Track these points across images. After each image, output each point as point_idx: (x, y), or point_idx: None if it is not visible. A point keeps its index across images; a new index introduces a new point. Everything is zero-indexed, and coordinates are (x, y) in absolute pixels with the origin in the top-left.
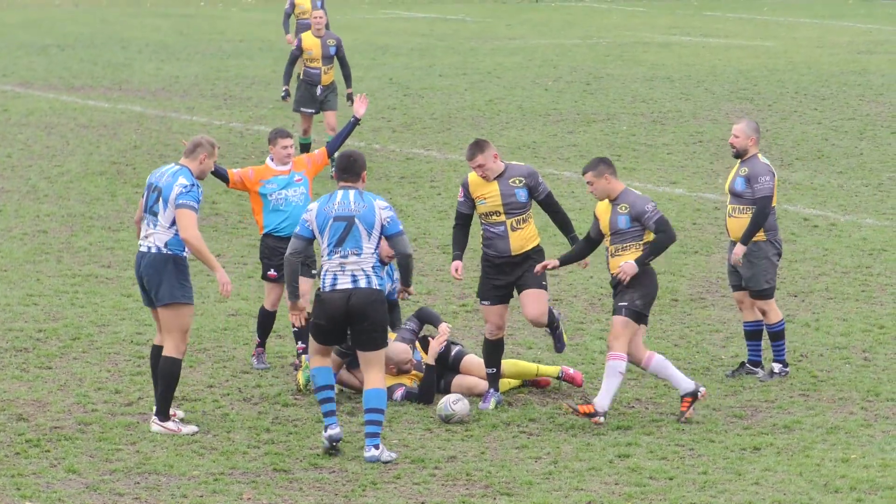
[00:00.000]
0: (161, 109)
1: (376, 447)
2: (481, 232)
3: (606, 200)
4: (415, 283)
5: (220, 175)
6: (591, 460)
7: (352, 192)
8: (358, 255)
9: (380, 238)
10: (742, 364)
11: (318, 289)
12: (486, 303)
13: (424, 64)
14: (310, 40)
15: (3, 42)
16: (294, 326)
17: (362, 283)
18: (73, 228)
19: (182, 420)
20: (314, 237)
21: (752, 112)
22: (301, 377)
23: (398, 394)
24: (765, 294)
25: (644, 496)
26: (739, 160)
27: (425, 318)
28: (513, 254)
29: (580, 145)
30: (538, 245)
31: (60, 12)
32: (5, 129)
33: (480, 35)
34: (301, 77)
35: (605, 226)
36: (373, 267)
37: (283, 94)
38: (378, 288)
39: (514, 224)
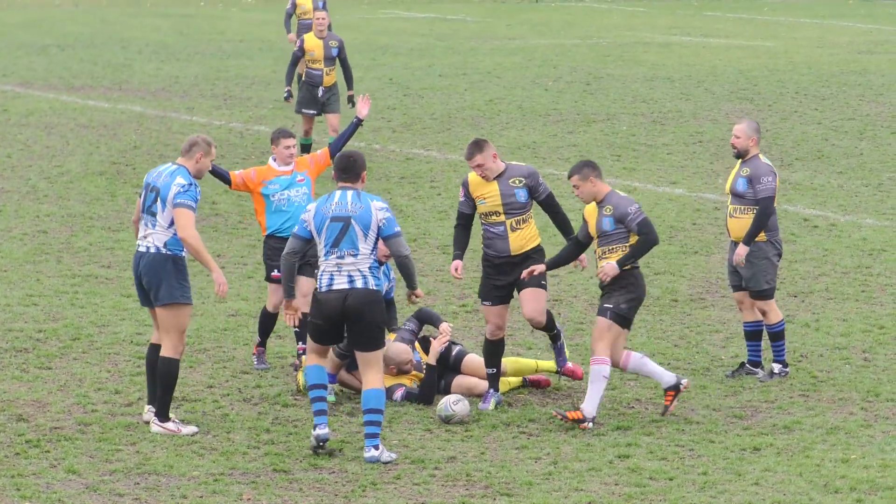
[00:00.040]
0: (161, 109)
1: (376, 447)
2: (482, 232)
3: (594, 203)
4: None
5: (222, 177)
6: (590, 461)
7: (350, 193)
8: (354, 255)
9: (377, 239)
10: (742, 364)
11: (316, 288)
12: (486, 303)
13: (424, 64)
14: (312, 41)
15: (3, 42)
16: (294, 327)
17: (359, 284)
18: (73, 229)
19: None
20: (312, 238)
21: (752, 112)
22: (301, 378)
23: (398, 394)
24: (765, 294)
25: (644, 497)
26: (740, 160)
27: (425, 318)
28: (512, 254)
29: (580, 145)
30: (538, 245)
31: (60, 12)
32: (5, 129)
33: (480, 35)
34: (303, 78)
35: (592, 229)
36: (370, 267)
37: (285, 94)
38: (375, 288)
39: (514, 224)
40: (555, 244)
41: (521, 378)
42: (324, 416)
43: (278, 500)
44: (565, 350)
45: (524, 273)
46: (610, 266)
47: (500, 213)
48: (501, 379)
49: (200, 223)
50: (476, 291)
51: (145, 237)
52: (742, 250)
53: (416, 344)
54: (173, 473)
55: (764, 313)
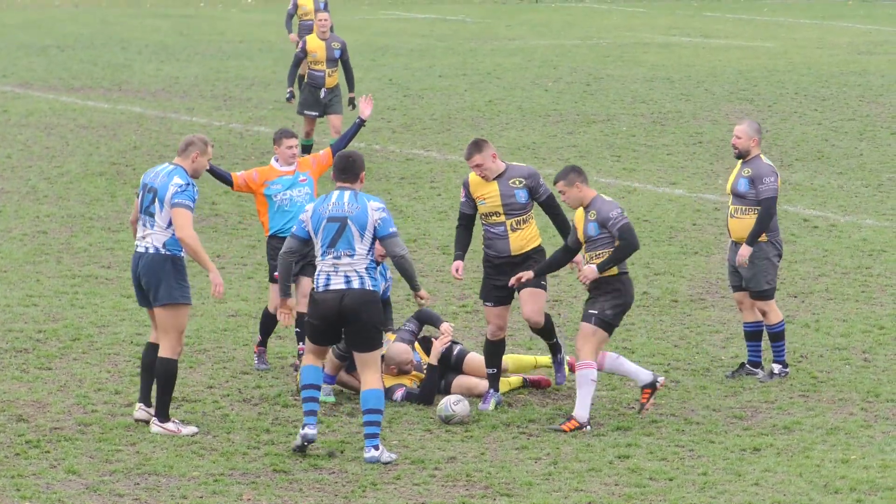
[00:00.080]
0: (161, 110)
1: (376, 448)
2: (482, 232)
3: (582, 209)
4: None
5: (224, 178)
6: (590, 461)
7: (347, 193)
8: (351, 256)
9: (374, 239)
10: (742, 365)
11: (313, 288)
12: (487, 304)
13: (424, 65)
14: (314, 43)
15: (3, 42)
16: (293, 327)
17: (355, 284)
18: (73, 229)
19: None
20: (310, 238)
21: (752, 113)
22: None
23: (398, 394)
24: (765, 295)
25: (644, 497)
26: (741, 161)
27: (425, 318)
28: (512, 254)
29: (580, 146)
30: (539, 246)
31: (60, 13)
32: (5, 129)
33: (480, 36)
34: (305, 79)
35: (581, 234)
36: (366, 268)
37: (287, 95)
38: (371, 289)
39: (514, 225)
40: (555, 245)
41: (521, 378)
42: (313, 416)
43: (278, 501)
44: (565, 367)
45: (512, 280)
46: (590, 269)
47: (500, 214)
48: (502, 379)
49: (200, 223)
50: (476, 292)
51: (144, 238)
52: (745, 251)
53: (417, 344)
54: (173, 474)
55: (764, 314)
